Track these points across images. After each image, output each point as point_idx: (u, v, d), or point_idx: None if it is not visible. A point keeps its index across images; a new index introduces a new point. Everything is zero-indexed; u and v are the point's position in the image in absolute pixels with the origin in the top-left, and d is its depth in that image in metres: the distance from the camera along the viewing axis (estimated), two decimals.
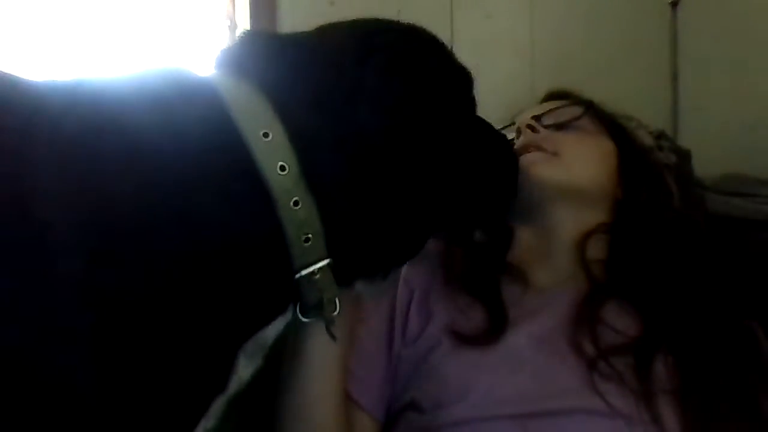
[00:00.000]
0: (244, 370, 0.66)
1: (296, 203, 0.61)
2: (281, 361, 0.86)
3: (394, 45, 0.70)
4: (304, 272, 0.64)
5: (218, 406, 0.64)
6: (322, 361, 0.86)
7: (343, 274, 0.67)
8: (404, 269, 0.99)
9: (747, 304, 0.94)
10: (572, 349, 0.87)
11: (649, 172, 1.07)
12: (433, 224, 0.77)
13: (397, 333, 0.95)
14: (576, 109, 1.06)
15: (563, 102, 1.10)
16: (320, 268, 0.64)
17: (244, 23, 1.77)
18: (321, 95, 0.64)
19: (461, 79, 0.77)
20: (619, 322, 0.90)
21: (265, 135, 0.61)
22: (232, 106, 0.62)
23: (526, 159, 0.98)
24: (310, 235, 0.62)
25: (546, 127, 1.04)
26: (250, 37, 0.72)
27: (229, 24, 1.82)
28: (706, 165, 1.25)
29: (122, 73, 0.63)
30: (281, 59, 0.67)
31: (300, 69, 0.66)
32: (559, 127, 1.04)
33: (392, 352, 0.94)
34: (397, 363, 0.94)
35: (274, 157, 0.61)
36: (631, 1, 1.58)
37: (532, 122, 1.04)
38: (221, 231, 0.58)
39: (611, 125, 1.08)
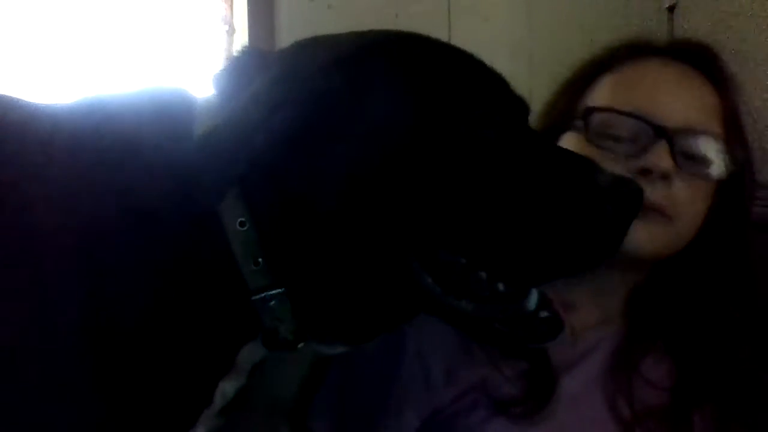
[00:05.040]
0: (229, 387, 0.70)
1: (242, 224, 0.64)
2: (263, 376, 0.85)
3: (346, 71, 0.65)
4: (258, 296, 0.65)
5: (206, 417, 0.68)
6: None
7: (307, 315, 0.67)
8: (413, 341, 0.88)
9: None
10: (608, 408, 0.83)
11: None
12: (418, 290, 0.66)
13: (422, 411, 0.86)
14: (722, 153, 0.86)
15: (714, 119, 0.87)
16: (275, 296, 0.65)
17: (242, 27, 1.77)
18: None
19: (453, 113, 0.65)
20: (653, 372, 0.85)
21: None
22: (198, 127, 0.65)
23: (639, 227, 0.76)
24: (260, 259, 0.65)
25: (679, 162, 0.82)
26: (238, 58, 0.72)
27: (227, 28, 1.82)
28: None
29: (114, 92, 0.69)
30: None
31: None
32: (697, 164, 0.84)
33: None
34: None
35: None
36: (628, 5, 1.59)
37: (670, 169, 0.82)
38: (180, 237, 0.63)
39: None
